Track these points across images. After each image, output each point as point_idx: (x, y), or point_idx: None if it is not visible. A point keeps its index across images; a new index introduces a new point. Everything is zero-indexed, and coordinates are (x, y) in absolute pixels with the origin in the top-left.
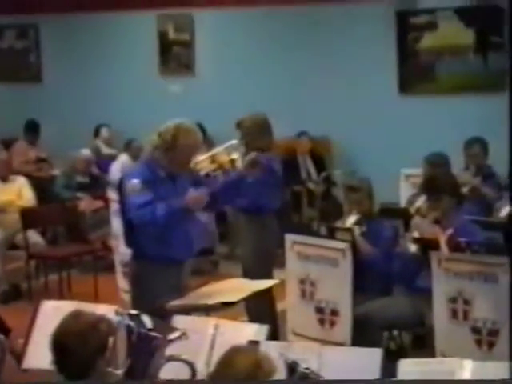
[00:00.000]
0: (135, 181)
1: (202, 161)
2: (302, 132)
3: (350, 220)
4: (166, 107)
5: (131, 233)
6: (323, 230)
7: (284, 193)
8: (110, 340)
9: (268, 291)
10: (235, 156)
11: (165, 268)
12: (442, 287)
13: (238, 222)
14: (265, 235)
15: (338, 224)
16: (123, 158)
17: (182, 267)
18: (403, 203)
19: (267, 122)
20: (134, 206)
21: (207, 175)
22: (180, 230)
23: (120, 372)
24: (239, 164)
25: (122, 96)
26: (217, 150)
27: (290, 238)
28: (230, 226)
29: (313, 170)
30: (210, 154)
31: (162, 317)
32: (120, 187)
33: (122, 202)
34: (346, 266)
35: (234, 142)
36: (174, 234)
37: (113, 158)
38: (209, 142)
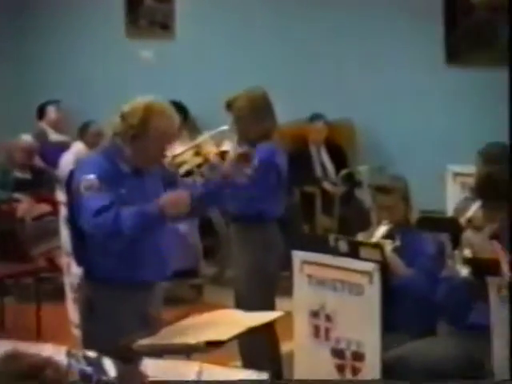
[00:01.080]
0: (90, 177)
1: (181, 153)
2: (316, 115)
3: (380, 232)
4: (135, 81)
5: (82, 246)
6: (343, 246)
7: (291, 195)
8: None
9: (269, 327)
10: (226, 147)
11: (128, 293)
12: (501, 323)
13: (229, 233)
14: (264, 252)
15: (363, 237)
16: (78, 147)
17: (150, 292)
18: (450, 211)
19: (267, 100)
20: (89, 210)
21: (189, 173)
22: (149, 242)
23: None
24: (232, 157)
25: (75, 66)
26: (202, 138)
27: (298, 255)
28: (218, 238)
29: (330, 165)
30: (192, 144)
31: (128, 360)
32: (68, 184)
33: (71, 204)
34: (374, 295)
35: (225, 127)
36: (141, 248)
37: (64, 146)
38: (191, 128)
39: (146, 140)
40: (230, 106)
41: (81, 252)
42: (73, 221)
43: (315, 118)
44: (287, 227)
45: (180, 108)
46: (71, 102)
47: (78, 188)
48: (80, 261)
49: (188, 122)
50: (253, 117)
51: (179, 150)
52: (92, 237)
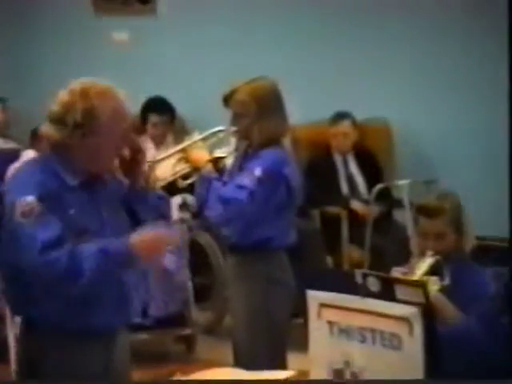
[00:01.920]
0: (29, 199)
1: (163, 159)
2: (341, 114)
3: (424, 266)
4: (106, 69)
5: (19, 287)
6: (374, 284)
7: (307, 218)
8: None
9: None
10: (221, 153)
11: (82, 345)
12: None
13: (226, 267)
14: (271, 291)
15: (402, 273)
16: (29, 157)
17: (112, 343)
18: None
19: (277, 93)
20: (33, 246)
21: (172, 186)
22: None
23: None
24: (228, 165)
25: (29, 51)
26: (190, 140)
27: (315, 296)
28: (213, 274)
29: (360, 179)
30: (177, 147)
31: None
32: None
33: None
34: (415, 349)
35: (220, 128)
36: (97, 286)
37: (12, 155)
38: (179, 131)
39: (99, 134)
40: (228, 99)
41: (17, 296)
42: (4, 256)
43: (340, 117)
44: (301, 259)
45: (165, 106)
46: (21, 101)
47: (11, 214)
48: (16, 307)
49: (175, 124)
50: (258, 114)
51: (161, 156)
52: (35, 278)
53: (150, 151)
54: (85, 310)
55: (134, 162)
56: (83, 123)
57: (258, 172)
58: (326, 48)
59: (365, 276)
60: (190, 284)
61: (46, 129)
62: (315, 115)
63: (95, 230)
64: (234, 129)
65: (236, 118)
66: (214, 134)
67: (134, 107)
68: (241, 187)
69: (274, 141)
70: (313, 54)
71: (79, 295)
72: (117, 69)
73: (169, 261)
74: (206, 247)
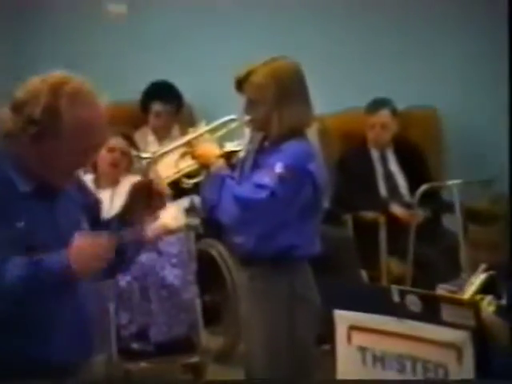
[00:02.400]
0: None
1: (165, 153)
2: (379, 100)
3: (476, 282)
4: (101, 52)
5: None
6: (415, 303)
7: (337, 223)
8: None
9: None
10: (233, 146)
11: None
12: None
13: (241, 282)
14: (292, 310)
15: (449, 290)
16: None
17: (72, 380)
18: None
19: (301, 75)
20: None
21: (175, 187)
22: (63, 299)
23: None
24: (239, 161)
25: (6, 28)
26: (197, 131)
27: (345, 317)
28: (226, 292)
29: (401, 178)
30: (182, 139)
31: None
32: None
33: None
34: (465, 379)
35: (233, 117)
36: (47, 308)
37: None
38: (187, 121)
39: (57, 139)
40: (242, 82)
41: None
42: None
43: (378, 105)
44: (329, 273)
45: (170, 92)
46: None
47: None
48: None
49: (182, 113)
50: (278, 100)
51: (162, 151)
52: None
53: (152, 145)
54: (33, 340)
55: None
56: (40, 120)
57: (279, 168)
58: (359, 26)
59: (403, 293)
60: (198, 303)
61: (3, 115)
62: (348, 102)
63: (49, 246)
64: (248, 118)
65: (251, 105)
66: (225, 124)
67: (134, 93)
68: (260, 186)
69: (296, 132)
70: (344, 33)
71: (20, 318)
72: (112, 48)
73: (173, 275)
74: (217, 259)
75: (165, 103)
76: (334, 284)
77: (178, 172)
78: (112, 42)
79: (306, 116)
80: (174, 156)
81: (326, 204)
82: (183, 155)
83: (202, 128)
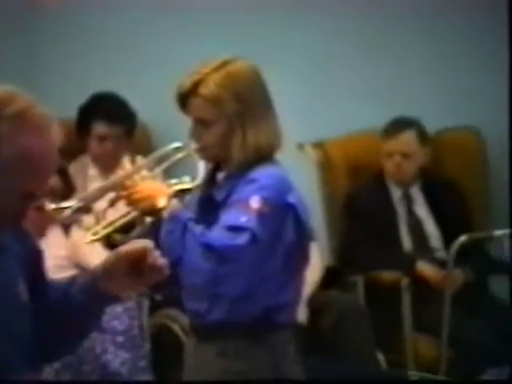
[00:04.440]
0: None
1: (89, 199)
2: (401, 121)
3: None
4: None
5: None
6: None
7: (343, 287)
8: None
9: None
10: (184, 183)
11: None
12: None
13: (203, 362)
14: None
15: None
16: None
17: None
18: None
19: (261, 80)
20: None
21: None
22: None
23: None
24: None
25: None
26: (128, 170)
27: None
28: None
29: (432, 226)
30: (107, 182)
31: None
32: None
33: None
34: None
35: (176, 145)
36: None
37: None
38: (141, 144)
39: None
40: (187, 97)
41: None
42: None
43: (399, 126)
44: (332, 355)
45: (119, 108)
46: None
47: None
48: None
49: (134, 137)
50: (238, 116)
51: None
52: None
53: (94, 181)
54: None
55: None
56: None
57: (255, 203)
58: (374, 24)
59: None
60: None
61: None
62: (359, 123)
63: None
64: (195, 145)
65: (201, 128)
66: (167, 154)
67: (68, 109)
68: (236, 228)
69: (265, 156)
70: (353, 31)
71: None
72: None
73: (119, 360)
74: (181, 336)
75: (111, 123)
76: (340, 369)
77: (109, 225)
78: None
79: (275, 134)
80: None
81: (325, 260)
82: (113, 202)
83: (139, 161)
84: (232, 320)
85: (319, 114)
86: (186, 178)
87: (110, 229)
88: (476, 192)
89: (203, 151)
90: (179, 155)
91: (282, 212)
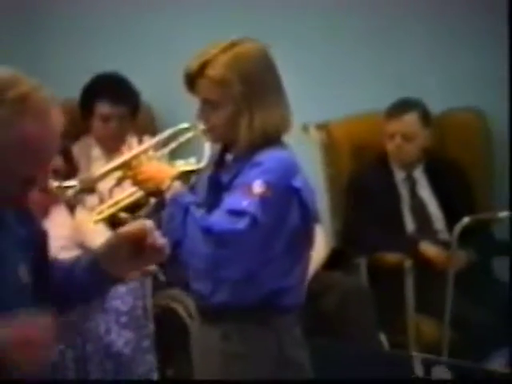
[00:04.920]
0: None
1: (101, 177)
2: (404, 102)
3: None
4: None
5: None
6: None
7: (346, 269)
8: None
9: None
10: (189, 164)
11: None
12: None
13: (208, 344)
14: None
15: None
16: None
17: None
18: None
19: (271, 62)
20: None
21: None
22: None
23: None
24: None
25: None
26: (135, 151)
27: None
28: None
29: (435, 207)
30: (115, 162)
31: None
32: None
33: None
34: None
35: (185, 125)
36: None
37: None
38: (146, 126)
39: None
40: (195, 78)
41: None
42: None
43: (402, 107)
44: (335, 335)
45: (122, 87)
46: None
47: None
48: None
49: (138, 118)
50: (245, 98)
51: (99, 173)
52: None
53: (98, 162)
54: None
55: None
56: None
57: (258, 187)
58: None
59: (429, 364)
60: (155, 378)
61: None
62: (363, 104)
63: None
64: (205, 125)
65: (209, 108)
66: (175, 135)
67: (71, 89)
68: (236, 213)
69: (272, 139)
70: (355, 15)
71: None
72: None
73: (122, 341)
74: (184, 318)
75: (115, 103)
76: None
77: (115, 205)
78: (42, 26)
79: (283, 117)
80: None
81: (329, 241)
82: (120, 181)
83: (145, 143)
84: (236, 303)
85: (323, 96)
86: (192, 160)
87: (115, 208)
88: (479, 173)
89: (210, 132)
90: (186, 136)
91: (286, 196)
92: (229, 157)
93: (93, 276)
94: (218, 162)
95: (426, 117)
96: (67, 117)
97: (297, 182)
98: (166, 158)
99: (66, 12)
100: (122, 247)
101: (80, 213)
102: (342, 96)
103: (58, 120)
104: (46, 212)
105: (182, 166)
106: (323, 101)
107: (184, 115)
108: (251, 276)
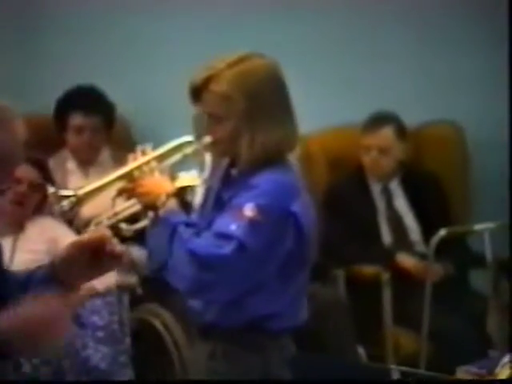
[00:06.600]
0: None
1: (96, 191)
2: (380, 116)
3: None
4: None
5: None
6: None
7: (324, 281)
8: None
9: None
10: (189, 179)
11: None
12: None
13: (196, 361)
14: None
15: (475, 374)
16: None
17: None
18: None
19: (279, 78)
20: None
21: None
22: None
23: None
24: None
25: None
26: (139, 161)
27: None
28: (173, 372)
29: (412, 220)
30: (118, 172)
31: None
32: None
33: None
34: None
35: (188, 138)
36: None
37: None
38: (122, 142)
39: None
40: (199, 92)
41: None
42: None
43: (377, 121)
44: (314, 348)
45: (97, 100)
46: None
47: None
48: None
49: (113, 130)
50: (248, 114)
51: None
52: None
53: (73, 175)
54: None
55: None
56: None
57: (249, 210)
58: (357, 20)
59: (406, 377)
60: None
61: None
62: (340, 117)
63: None
64: (208, 139)
65: (213, 122)
66: (178, 148)
67: (46, 105)
68: (223, 236)
69: (274, 158)
70: (338, 27)
71: None
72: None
73: (99, 356)
74: (162, 332)
75: (87, 114)
76: (320, 363)
77: (115, 215)
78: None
79: (287, 136)
80: (109, 192)
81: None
82: (121, 192)
83: (147, 153)
84: (224, 323)
85: (299, 109)
86: (194, 172)
87: (115, 219)
88: (456, 186)
89: (213, 146)
90: (189, 150)
91: (280, 221)
92: (234, 172)
93: (48, 287)
94: (224, 178)
95: (401, 130)
96: (43, 131)
97: (294, 206)
98: (168, 170)
99: (46, 26)
100: (82, 254)
101: (58, 227)
102: (318, 109)
103: (19, 129)
104: (19, 225)
105: (182, 181)
106: (299, 113)
107: (161, 128)
108: (238, 299)
